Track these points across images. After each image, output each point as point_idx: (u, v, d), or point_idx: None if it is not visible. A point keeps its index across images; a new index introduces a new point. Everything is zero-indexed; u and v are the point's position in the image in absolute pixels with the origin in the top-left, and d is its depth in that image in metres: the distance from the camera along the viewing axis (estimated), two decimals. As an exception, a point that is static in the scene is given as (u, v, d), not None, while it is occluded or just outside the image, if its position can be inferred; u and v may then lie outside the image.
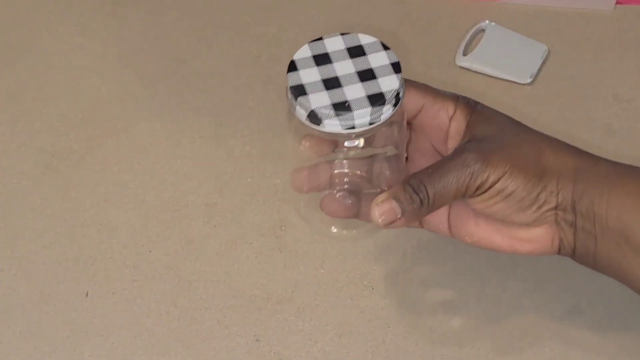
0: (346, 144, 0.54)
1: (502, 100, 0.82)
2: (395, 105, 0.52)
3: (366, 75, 0.52)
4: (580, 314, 0.67)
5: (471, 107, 0.57)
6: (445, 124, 0.57)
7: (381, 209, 0.55)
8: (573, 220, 0.54)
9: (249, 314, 0.68)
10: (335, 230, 0.62)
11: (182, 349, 0.66)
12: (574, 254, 0.56)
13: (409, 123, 0.59)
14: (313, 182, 0.61)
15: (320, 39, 0.54)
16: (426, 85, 0.59)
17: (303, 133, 0.56)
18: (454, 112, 0.57)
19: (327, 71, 0.53)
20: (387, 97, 0.51)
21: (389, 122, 0.53)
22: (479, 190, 0.54)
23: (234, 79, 0.84)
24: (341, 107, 0.51)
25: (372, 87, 0.52)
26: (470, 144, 0.54)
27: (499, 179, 0.53)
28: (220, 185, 0.76)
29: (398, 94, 0.52)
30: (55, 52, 0.87)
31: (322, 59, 0.53)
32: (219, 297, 0.69)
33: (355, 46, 0.54)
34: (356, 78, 0.52)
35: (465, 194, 0.54)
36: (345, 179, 0.60)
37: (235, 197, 0.75)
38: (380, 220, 0.55)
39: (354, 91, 0.51)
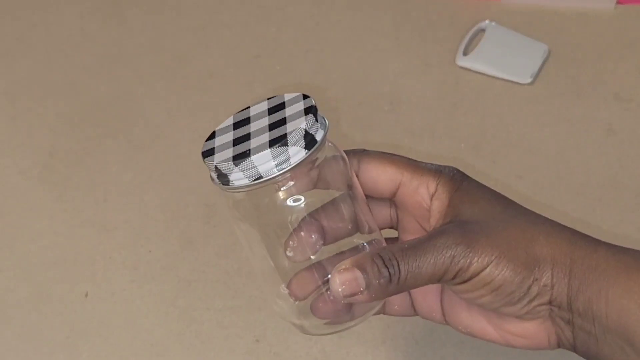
0: (288, 202, 0.49)
1: (502, 100, 0.82)
2: (308, 147, 0.47)
3: (276, 124, 0.48)
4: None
5: (455, 184, 0.51)
6: (427, 202, 0.52)
7: (343, 277, 0.47)
8: (570, 318, 0.49)
9: (249, 315, 0.68)
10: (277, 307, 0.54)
11: (181, 349, 0.66)
12: (575, 350, 0.51)
13: (391, 200, 0.53)
14: (305, 290, 0.52)
15: (248, 107, 0.52)
16: (405, 159, 0.53)
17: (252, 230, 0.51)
18: (435, 190, 0.51)
19: (241, 132, 0.50)
20: (290, 137, 0.46)
21: (318, 166, 0.49)
22: (459, 278, 0.48)
23: (234, 79, 0.84)
24: (240, 156, 0.47)
25: (277, 132, 0.48)
26: (453, 225, 0.49)
27: (483, 268, 0.47)
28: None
29: (308, 134, 0.47)
30: (55, 52, 0.87)
31: (240, 124, 0.50)
32: (219, 297, 0.69)
33: (277, 104, 0.50)
34: (266, 130, 0.48)
35: (442, 279, 0.48)
36: (327, 266, 0.52)
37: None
38: (339, 290, 0.47)
39: (259, 141, 0.48)
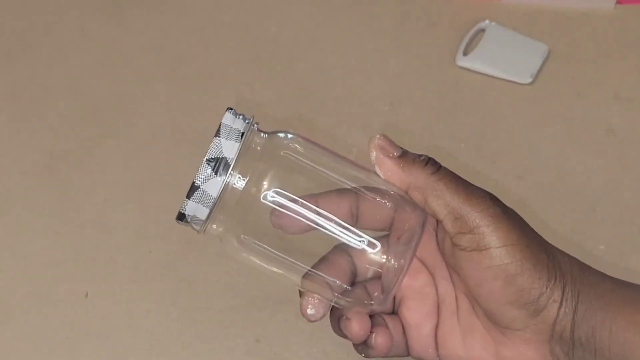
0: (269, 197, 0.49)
1: (502, 100, 0.82)
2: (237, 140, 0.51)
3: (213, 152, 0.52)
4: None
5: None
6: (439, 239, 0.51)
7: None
8: (569, 349, 0.48)
9: (249, 315, 0.68)
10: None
11: (182, 349, 0.66)
12: None
13: None
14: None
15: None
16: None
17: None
18: (436, 224, 0.51)
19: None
20: (221, 130, 0.52)
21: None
22: (481, 244, 0.47)
23: (234, 79, 0.84)
24: (193, 188, 0.52)
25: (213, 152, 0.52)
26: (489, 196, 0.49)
27: (505, 245, 0.47)
28: (220, 185, 0.76)
29: (233, 129, 0.52)
30: (55, 52, 0.87)
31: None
32: (219, 297, 0.69)
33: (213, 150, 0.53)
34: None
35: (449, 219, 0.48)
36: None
37: (235, 197, 0.75)
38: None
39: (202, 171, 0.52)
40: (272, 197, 0.49)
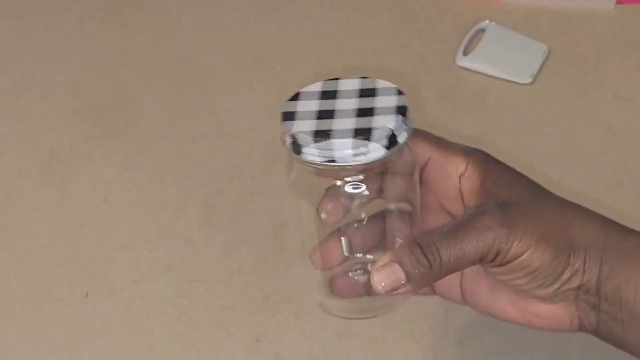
0: (347, 188, 0.48)
1: (502, 100, 0.82)
2: (388, 147, 0.46)
3: (364, 112, 0.47)
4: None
5: (487, 166, 0.50)
6: (454, 181, 0.50)
7: (381, 274, 0.47)
8: (597, 302, 0.49)
9: (249, 314, 0.68)
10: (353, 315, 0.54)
11: (181, 349, 0.66)
12: (597, 334, 0.51)
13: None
14: (326, 262, 0.52)
15: (337, 78, 0.50)
16: (434, 136, 0.52)
17: (300, 185, 0.50)
18: (465, 170, 0.50)
19: (327, 105, 0.48)
20: (375, 133, 0.46)
21: (391, 171, 0.49)
22: (497, 261, 0.47)
23: (234, 79, 0.84)
24: (322, 135, 0.46)
25: (363, 122, 0.47)
26: (492, 205, 0.48)
27: (523, 253, 0.47)
28: (220, 185, 0.76)
29: (393, 135, 0.47)
30: (55, 52, 0.87)
31: (327, 95, 0.49)
32: (219, 297, 0.69)
33: (368, 88, 0.49)
34: (352, 114, 0.47)
35: (482, 261, 0.47)
36: (357, 252, 0.52)
37: (235, 197, 0.75)
38: (380, 287, 0.47)
39: (343, 124, 0.47)
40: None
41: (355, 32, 0.88)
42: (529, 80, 0.83)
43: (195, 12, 0.90)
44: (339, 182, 0.48)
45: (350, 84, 0.50)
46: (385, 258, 0.47)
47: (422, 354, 0.66)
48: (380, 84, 0.50)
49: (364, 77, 0.50)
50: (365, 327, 0.67)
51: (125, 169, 0.77)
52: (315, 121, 0.47)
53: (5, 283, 0.70)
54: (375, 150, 0.46)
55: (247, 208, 0.74)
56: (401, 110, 0.48)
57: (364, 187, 0.48)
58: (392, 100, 0.48)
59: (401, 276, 0.47)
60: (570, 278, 0.48)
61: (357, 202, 0.49)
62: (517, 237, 0.47)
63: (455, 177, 0.50)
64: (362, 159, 0.46)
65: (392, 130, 0.46)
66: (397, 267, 0.47)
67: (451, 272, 0.47)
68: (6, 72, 0.85)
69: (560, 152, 0.78)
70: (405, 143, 0.48)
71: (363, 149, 0.46)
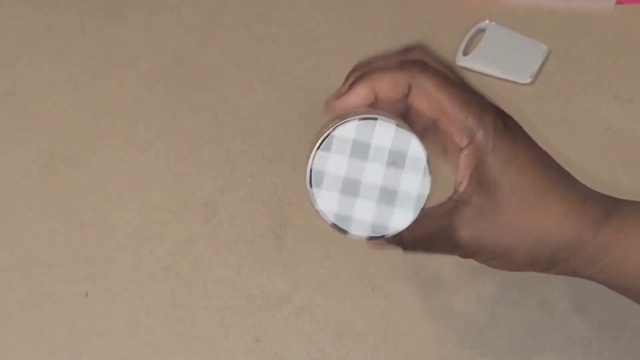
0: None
1: (502, 100, 0.82)
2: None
3: (386, 198, 0.49)
4: (581, 313, 0.67)
5: (490, 147, 0.49)
6: (460, 141, 0.50)
7: (374, 246, 0.53)
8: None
9: (249, 314, 0.68)
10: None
11: (181, 349, 0.66)
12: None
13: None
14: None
15: (375, 118, 0.48)
16: (457, 87, 0.51)
17: None
18: (466, 147, 0.50)
19: (354, 173, 0.48)
20: (390, 227, 0.49)
21: None
22: (468, 257, 0.51)
23: (234, 79, 0.84)
24: (342, 221, 0.49)
25: (384, 211, 0.49)
26: (468, 212, 0.49)
27: (485, 262, 0.51)
28: (220, 185, 0.76)
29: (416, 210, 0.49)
30: (55, 52, 0.87)
31: (358, 154, 0.48)
32: (219, 297, 0.69)
33: (399, 153, 0.48)
34: (376, 192, 0.49)
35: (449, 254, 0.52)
36: None
37: (235, 197, 0.75)
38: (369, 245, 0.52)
39: (364, 207, 0.49)
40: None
41: (355, 32, 0.88)
42: (529, 80, 0.83)
43: (195, 13, 0.90)
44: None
45: (383, 135, 0.48)
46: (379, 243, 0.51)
47: (422, 354, 0.66)
48: (413, 146, 0.48)
49: (398, 126, 0.48)
50: (366, 327, 0.67)
51: (125, 169, 0.77)
52: (338, 197, 0.48)
53: (5, 283, 0.70)
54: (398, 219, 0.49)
55: (247, 208, 0.74)
56: (419, 203, 0.48)
57: None
58: (416, 186, 0.48)
59: (384, 243, 0.51)
60: (538, 271, 0.51)
61: None
62: (479, 248, 0.49)
63: (462, 139, 0.50)
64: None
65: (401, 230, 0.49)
66: (386, 245, 0.51)
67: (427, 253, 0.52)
68: (6, 72, 0.85)
69: (560, 152, 0.77)
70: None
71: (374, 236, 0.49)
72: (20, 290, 0.69)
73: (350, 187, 0.48)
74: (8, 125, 0.81)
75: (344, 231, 0.49)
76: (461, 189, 0.50)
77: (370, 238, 0.49)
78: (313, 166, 0.48)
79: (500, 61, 0.84)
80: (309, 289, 0.69)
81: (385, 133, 0.48)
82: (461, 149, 0.50)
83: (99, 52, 0.87)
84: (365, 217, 0.48)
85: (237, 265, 0.71)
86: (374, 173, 0.48)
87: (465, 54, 0.84)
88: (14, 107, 0.82)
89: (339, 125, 0.48)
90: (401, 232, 0.49)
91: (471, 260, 0.70)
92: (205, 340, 0.66)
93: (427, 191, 0.48)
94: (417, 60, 0.52)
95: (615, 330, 0.66)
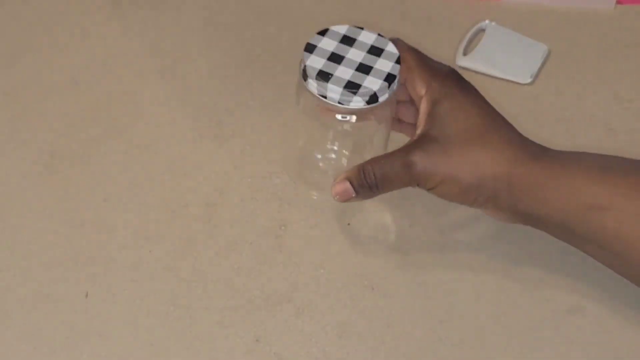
0: (339, 117, 0.63)
1: (502, 100, 0.82)
2: (368, 102, 0.61)
3: (363, 69, 0.62)
4: (581, 313, 0.67)
5: (444, 92, 0.62)
6: (419, 97, 0.63)
7: (336, 188, 0.63)
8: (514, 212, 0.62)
9: (249, 314, 0.68)
10: (315, 197, 0.71)
11: (181, 349, 0.66)
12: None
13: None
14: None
15: (362, 28, 0.64)
16: (420, 55, 0.64)
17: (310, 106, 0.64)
18: (425, 93, 0.62)
19: (341, 49, 0.63)
20: (360, 90, 0.61)
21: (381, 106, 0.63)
22: (421, 187, 0.62)
23: (234, 79, 0.84)
24: (323, 76, 0.62)
25: (358, 78, 0.62)
26: (420, 143, 0.61)
27: (435, 187, 0.61)
28: (220, 185, 0.76)
29: (375, 95, 0.61)
30: (55, 52, 0.87)
31: (346, 41, 0.64)
32: (219, 297, 0.69)
33: (378, 48, 0.63)
34: (354, 66, 0.62)
35: (411, 185, 0.62)
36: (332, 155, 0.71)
37: (235, 197, 0.75)
38: (335, 197, 0.63)
39: (343, 73, 0.62)
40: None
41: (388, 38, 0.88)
42: (529, 80, 0.83)
43: (195, 12, 0.90)
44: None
45: (367, 38, 0.64)
46: (340, 176, 0.63)
47: (422, 354, 0.66)
48: (389, 47, 0.63)
49: (380, 35, 0.64)
50: (366, 327, 0.67)
51: (125, 169, 0.77)
52: (325, 61, 0.62)
53: (5, 283, 0.70)
54: (356, 102, 0.61)
55: (247, 208, 0.74)
56: (389, 78, 0.61)
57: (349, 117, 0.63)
58: (387, 66, 0.62)
59: (351, 191, 0.63)
60: (485, 202, 0.61)
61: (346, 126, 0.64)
62: (430, 174, 0.60)
63: (419, 99, 0.63)
64: (345, 107, 0.62)
65: (375, 91, 0.61)
66: (348, 184, 0.62)
67: (386, 192, 0.63)
68: (6, 72, 0.85)
69: (560, 152, 0.78)
70: (387, 99, 0.62)
71: (347, 99, 0.61)
72: (20, 290, 0.69)
73: (335, 58, 0.62)
74: (8, 125, 0.81)
75: (325, 79, 0.61)
76: (418, 130, 0.62)
77: (340, 103, 0.62)
78: (309, 40, 0.64)
79: (500, 61, 0.84)
80: (309, 289, 0.69)
81: (369, 36, 0.64)
82: (421, 98, 0.62)
83: (99, 52, 0.87)
84: (344, 76, 0.61)
85: (237, 265, 0.71)
86: (356, 54, 0.62)
87: (465, 54, 0.85)
88: (14, 107, 0.82)
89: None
90: (366, 167, 0.61)
91: (470, 261, 0.70)
92: (205, 340, 0.66)
93: (396, 72, 0.62)
94: (398, 41, 0.65)
95: (615, 330, 0.66)
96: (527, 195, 0.59)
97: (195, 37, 0.88)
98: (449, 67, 0.64)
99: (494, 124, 0.62)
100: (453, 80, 0.63)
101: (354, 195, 0.63)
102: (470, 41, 0.86)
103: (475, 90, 0.63)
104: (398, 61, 0.62)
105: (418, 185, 0.62)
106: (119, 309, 0.68)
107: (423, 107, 0.62)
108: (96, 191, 0.76)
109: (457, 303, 0.68)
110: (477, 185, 0.60)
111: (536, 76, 0.83)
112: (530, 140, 0.62)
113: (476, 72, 0.84)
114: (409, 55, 0.63)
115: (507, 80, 0.83)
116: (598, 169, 0.59)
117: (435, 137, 0.60)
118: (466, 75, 0.83)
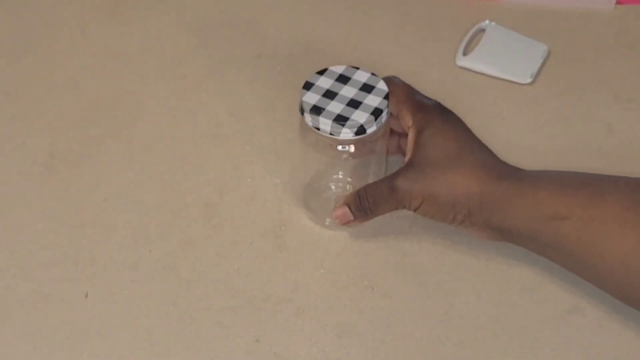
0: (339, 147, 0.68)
1: (502, 100, 0.82)
2: (357, 134, 0.66)
3: (353, 104, 0.67)
4: (580, 313, 0.67)
5: (426, 122, 0.67)
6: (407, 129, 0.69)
7: (336, 212, 0.69)
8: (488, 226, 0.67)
9: (249, 315, 0.68)
10: (327, 222, 0.73)
11: (181, 349, 0.66)
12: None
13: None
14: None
15: (358, 68, 0.70)
16: (410, 91, 0.70)
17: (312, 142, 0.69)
18: (411, 125, 0.68)
19: (336, 87, 0.68)
20: (348, 123, 0.66)
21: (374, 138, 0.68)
22: (407, 209, 0.68)
23: (234, 79, 0.84)
24: (315, 110, 0.67)
25: (347, 112, 0.67)
26: (404, 169, 0.67)
27: (418, 207, 0.67)
28: (220, 185, 0.76)
29: (362, 127, 0.66)
30: (55, 52, 0.87)
31: (342, 79, 0.69)
32: (219, 297, 0.69)
33: (369, 85, 0.68)
34: (345, 102, 0.67)
35: (399, 208, 0.68)
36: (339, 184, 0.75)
37: (235, 197, 0.75)
38: (336, 221, 0.70)
39: (334, 107, 0.67)
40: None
41: (355, 32, 0.88)
42: (529, 80, 0.83)
43: (195, 12, 0.90)
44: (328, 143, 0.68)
45: (361, 76, 0.69)
46: (341, 200, 0.69)
47: (422, 354, 0.66)
48: (380, 85, 0.68)
49: (373, 75, 0.69)
50: (366, 327, 0.67)
51: (125, 169, 0.77)
52: (320, 97, 0.67)
53: (5, 283, 0.70)
54: (345, 134, 0.66)
55: (247, 208, 0.74)
56: (376, 112, 0.66)
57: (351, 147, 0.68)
58: (375, 101, 0.67)
59: (349, 215, 0.69)
60: (463, 219, 0.66)
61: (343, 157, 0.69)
62: (412, 196, 0.66)
63: (408, 128, 0.69)
64: (336, 138, 0.66)
65: (361, 124, 0.66)
66: (346, 209, 0.69)
67: (381, 214, 0.69)
68: (6, 72, 0.85)
69: (560, 152, 0.78)
70: (374, 131, 0.67)
71: (337, 130, 0.66)
72: (20, 290, 0.69)
73: (329, 94, 0.67)
74: (8, 125, 0.81)
75: (317, 113, 0.66)
76: (406, 157, 0.68)
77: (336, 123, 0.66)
78: (308, 79, 0.69)
79: (500, 61, 0.84)
80: (309, 289, 0.69)
81: (363, 75, 0.69)
82: (409, 128, 0.68)
83: (99, 52, 0.87)
84: (334, 110, 0.66)
85: (237, 265, 0.71)
86: (348, 91, 0.68)
87: (465, 54, 0.85)
88: (14, 107, 0.82)
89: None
90: (361, 192, 0.68)
91: (470, 261, 0.70)
92: (205, 340, 0.66)
93: (383, 107, 0.67)
94: (393, 78, 0.71)
95: (615, 330, 0.66)
96: (497, 210, 0.65)
97: (195, 37, 0.88)
98: (435, 100, 0.69)
99: (470, 147, 0.67)
100: (436, 110, 0.68)
101: (352, 218, 0.69)
102: (470, 41, 0.86)
103: (457, 118, 0.68)
104: (386, 97, 0.67)
105: (404, 207, 0.67)
106: (119, 309, 0.68)
107: (410, 136, 0.68)
108: (96, 191, 0.76)
109: (457, 303, 0.68)
110: (452, 203, 0.65)
111: (536, 76, 0.83)
112: (502, 162, 0.67)
113: (476, 72, 0.84)
114: (400, 90, 0.69)
115: (507, 80, 0.83)
116: (557, 184, 0.64)
117: (418, 162, 0.66)
118: (466, 75, 0.84)
